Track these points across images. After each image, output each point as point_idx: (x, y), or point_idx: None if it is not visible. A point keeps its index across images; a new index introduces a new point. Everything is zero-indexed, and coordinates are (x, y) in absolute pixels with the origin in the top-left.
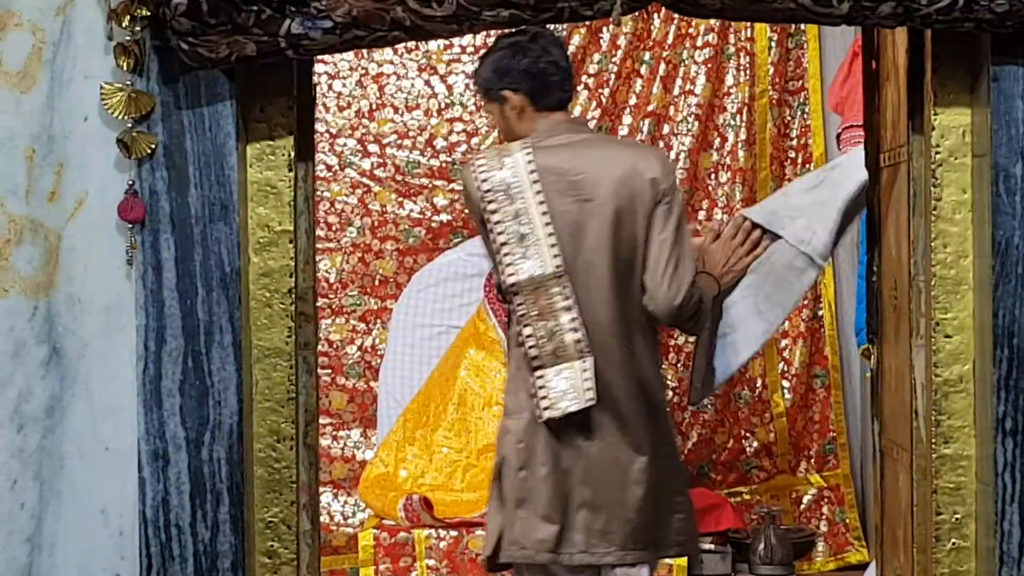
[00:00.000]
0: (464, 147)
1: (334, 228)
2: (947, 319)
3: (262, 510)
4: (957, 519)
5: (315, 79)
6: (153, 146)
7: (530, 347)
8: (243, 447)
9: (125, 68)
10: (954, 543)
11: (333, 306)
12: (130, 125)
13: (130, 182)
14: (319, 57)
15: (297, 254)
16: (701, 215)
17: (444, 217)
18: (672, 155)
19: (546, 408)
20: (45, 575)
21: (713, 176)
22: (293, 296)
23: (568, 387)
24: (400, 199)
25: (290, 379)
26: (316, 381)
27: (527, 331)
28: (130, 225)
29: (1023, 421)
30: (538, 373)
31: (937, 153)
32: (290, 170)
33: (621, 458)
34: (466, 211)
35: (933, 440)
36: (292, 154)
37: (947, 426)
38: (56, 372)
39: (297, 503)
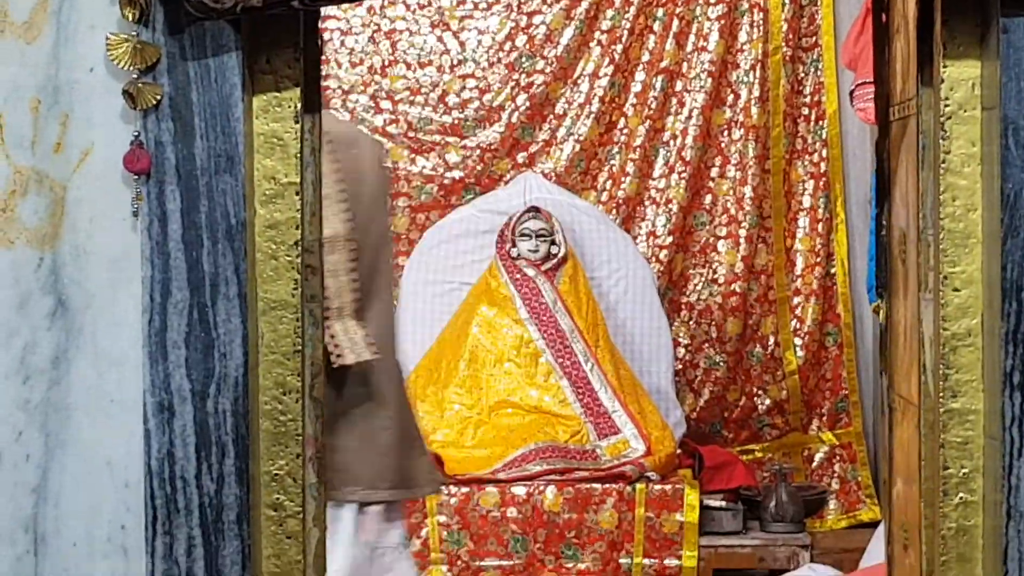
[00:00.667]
0: (476, 103)
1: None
2: (955, 272)
3: (268, 463)
4: (965, 474)
5: (328, 35)
6: (159, 97)
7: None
8: (249, 399)
9: (130, 19)
10: (961, 497)
11: None
12: (135, 76)
13: (136, 133)
14: (329, 11)
15: (303, 206)
16: (714, 172)
17: (456, 173)
18: (685, 112)
19: (338, 356)
20: (51, 526)
21: (726, 133)
22: (299, 248)
23: (350, 342)
24: (412, 155)
25: (296, 331)
26: (322, 334)
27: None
28: (135, 176)
29: None
30: (327, 323)
31: (946, 106)
32: (296, 122)
33: (373, 406)
34: (478, 168)
35: (941, 394)
36: (298, 106)
37: (955, 380)
38: (62, 324)
39: (303, 456)
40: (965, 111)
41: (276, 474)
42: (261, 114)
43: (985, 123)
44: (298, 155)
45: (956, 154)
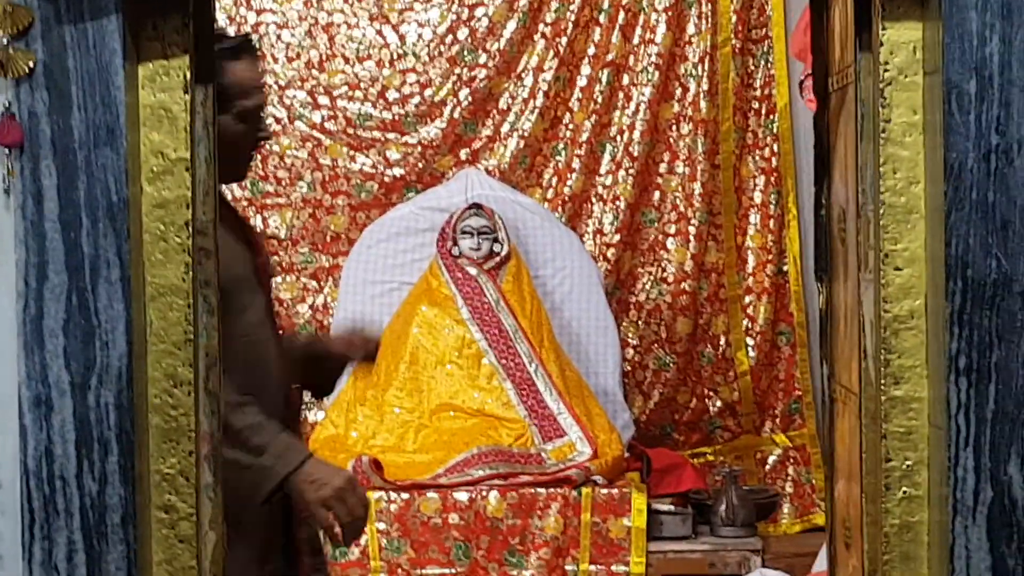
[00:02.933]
0: (417, 99)
1: (284, 183)
2: (897, 250)
3: (158, 461)
4: (908, 466)
5: (263, 29)
6: (32, 64)
7: None
8: (133, 392)
9: None
10: (905, 491)
11: (283, 263)
12: (6, 42)
13: (6, 103)
14: (264, 4)
15: (195, 184)
16: (662, 168)
17: (397, 171)
18: (632, 106)
19: None
20: None
21: (674, 127)
22: (190, 230)
23: None
24: (352, 153)
25: (187, 319)
26: (219, 323)
27: None
28: (7, 150)
29: (978, 359)
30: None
31: (886, 71)
32: (186, 92)
33: None
34: (419, 165)
35: (883, 381)
36: (188, 75)
37: (897, 366)
38: None
39: (196, 454)
40: (906, 76)
41: (167, 473)
42: (147, 84)
43: (927, 89)
44: (188, 128)
45: (897, 123)
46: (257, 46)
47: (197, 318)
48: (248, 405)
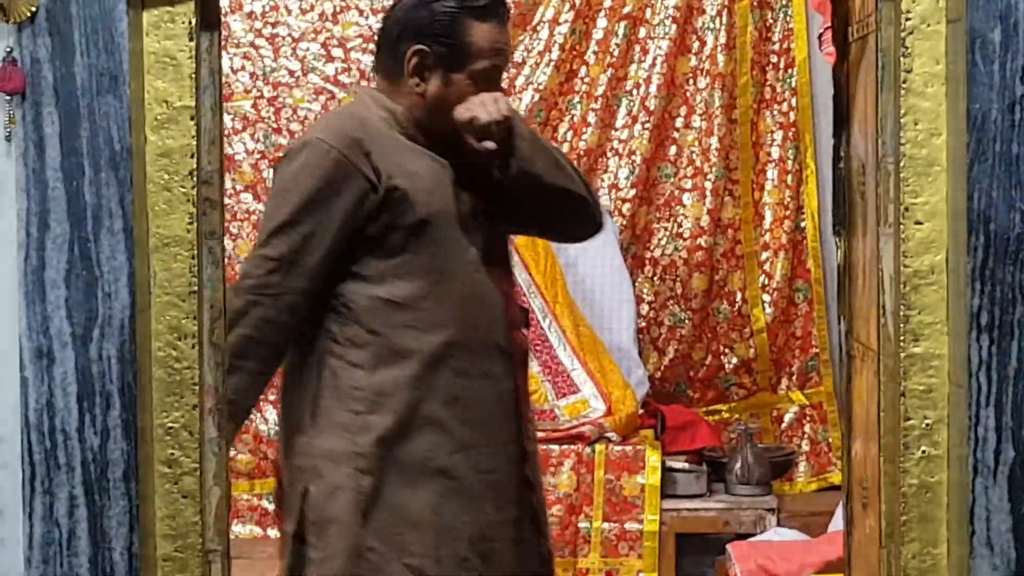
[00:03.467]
0: None
1: (297, 135)
2: (917, 204)
3: (161, 415)
4: (928, 425)
5: None
6: (34, 9)
7: None
8: (136, 344)
9: None
10: (924, 451)
11: None
12: None
13: (8, 49)
14: None
15: (200, 133)
16: (679, 122)
17: None
18: (648, 59)
19: None
20: None
21: (691, 82)
22: (195, 179)
23: None
24: None
25: (192, 270)
26: (224, 274)
27: None
28: (8, 97)
29: (1000, 315)
30: None
31: (908, 20)
32: (191, 40)
33: None
34: None
35: (901, 338)
36: (193, 22)
37: (917, 322)
38: None
39: (201, 407)
40: (928, 25)
41: (171, 427)
42: (152, 31)
43: (950, 38)
44: (193, 76)
45: (918, 73)
46: (509, 12)
47: (202, 269)
48: None
